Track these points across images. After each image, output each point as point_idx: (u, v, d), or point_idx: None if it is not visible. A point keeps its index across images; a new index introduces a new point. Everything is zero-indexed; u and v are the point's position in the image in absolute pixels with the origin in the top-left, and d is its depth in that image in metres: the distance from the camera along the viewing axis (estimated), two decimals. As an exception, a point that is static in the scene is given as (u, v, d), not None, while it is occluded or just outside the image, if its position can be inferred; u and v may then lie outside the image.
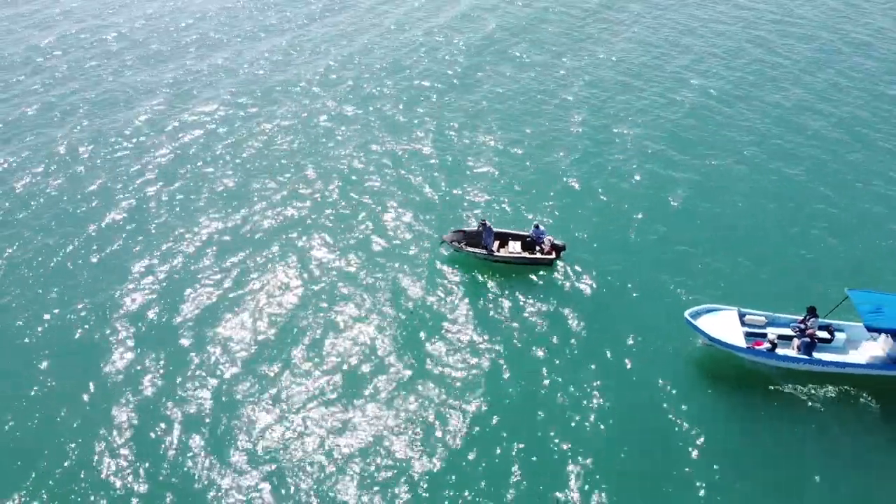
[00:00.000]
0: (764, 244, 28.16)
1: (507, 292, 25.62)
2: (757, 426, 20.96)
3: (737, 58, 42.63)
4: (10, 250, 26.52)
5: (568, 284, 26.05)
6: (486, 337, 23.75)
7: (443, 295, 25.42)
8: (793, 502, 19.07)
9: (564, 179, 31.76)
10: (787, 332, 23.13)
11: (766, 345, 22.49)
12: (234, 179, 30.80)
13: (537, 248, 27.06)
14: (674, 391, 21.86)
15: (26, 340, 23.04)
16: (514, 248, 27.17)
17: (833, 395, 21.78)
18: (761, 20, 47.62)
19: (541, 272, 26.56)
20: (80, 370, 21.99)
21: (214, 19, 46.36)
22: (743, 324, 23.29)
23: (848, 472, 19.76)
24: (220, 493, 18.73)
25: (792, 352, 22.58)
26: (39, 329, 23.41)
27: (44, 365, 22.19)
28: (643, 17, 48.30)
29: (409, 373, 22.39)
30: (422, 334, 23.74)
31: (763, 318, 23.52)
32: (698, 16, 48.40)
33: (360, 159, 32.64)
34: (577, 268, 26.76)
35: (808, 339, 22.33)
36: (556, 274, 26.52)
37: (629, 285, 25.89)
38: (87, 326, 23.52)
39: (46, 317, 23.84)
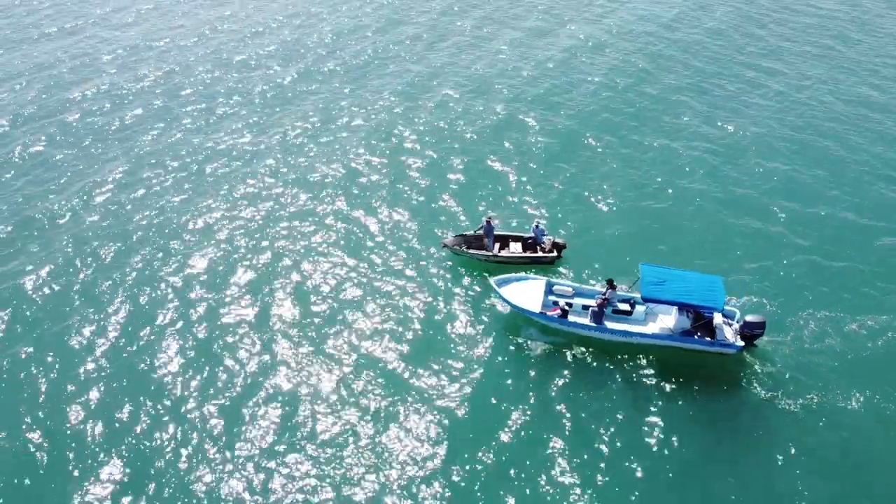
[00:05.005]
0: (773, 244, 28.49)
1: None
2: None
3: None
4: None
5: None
6: (486, 336, 23.95)
7: (445, 297, 25.54)
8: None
9: (566, 178, 32.09)
10: (592, 302, 24.43)
11: (558, 311, 23.76)
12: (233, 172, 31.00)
13: (538, 247, 27.27)
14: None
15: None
16: (515, 248, 27.38)
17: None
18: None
19: (543, 270, 26.78)
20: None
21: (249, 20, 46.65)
22: (552, 293, 24.77)
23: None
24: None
25: (584, 320, 23.76)
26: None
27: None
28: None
29: (409, 374, 22.59)
30: (424, 337, 23.90)
31: (570, 289, 24.92)
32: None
33: (356, 162, 32.87)
34: (578, 265, 26.99)
35: (595, 309, 23.63)
36: (557, 272, 26.73)
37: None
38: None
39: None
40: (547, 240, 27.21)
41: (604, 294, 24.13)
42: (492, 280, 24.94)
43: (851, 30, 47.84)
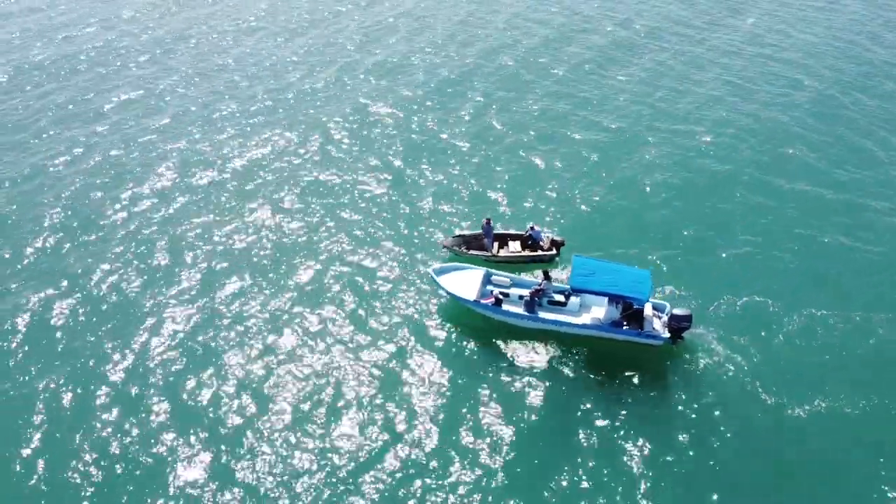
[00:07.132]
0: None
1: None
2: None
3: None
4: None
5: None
6: (485, 336, 24.49)
7: (445, 300, 26.07)
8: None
9: (562, 180, 32.29)
10: (526, 293, 25.01)
11: (492, 300, 24.42)
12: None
13: (537, 245, 27.57)
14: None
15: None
16: (514, 247, 27.75)
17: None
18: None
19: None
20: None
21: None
22: (490, 283, 25.53)
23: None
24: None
25: (518, 309, 24.47)
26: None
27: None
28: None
29: (409, 374, 23.25)
30: (425, 339, 24.46)
31: (508, 280, 25.63)
32: None
33: (354, 164, 33.38)
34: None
35: (528, 299, 24.27)
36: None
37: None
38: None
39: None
40: (545, 237, 27.53)
41: (539, 285, 24.61)
42: (431, 269, 25.62)
43: None
